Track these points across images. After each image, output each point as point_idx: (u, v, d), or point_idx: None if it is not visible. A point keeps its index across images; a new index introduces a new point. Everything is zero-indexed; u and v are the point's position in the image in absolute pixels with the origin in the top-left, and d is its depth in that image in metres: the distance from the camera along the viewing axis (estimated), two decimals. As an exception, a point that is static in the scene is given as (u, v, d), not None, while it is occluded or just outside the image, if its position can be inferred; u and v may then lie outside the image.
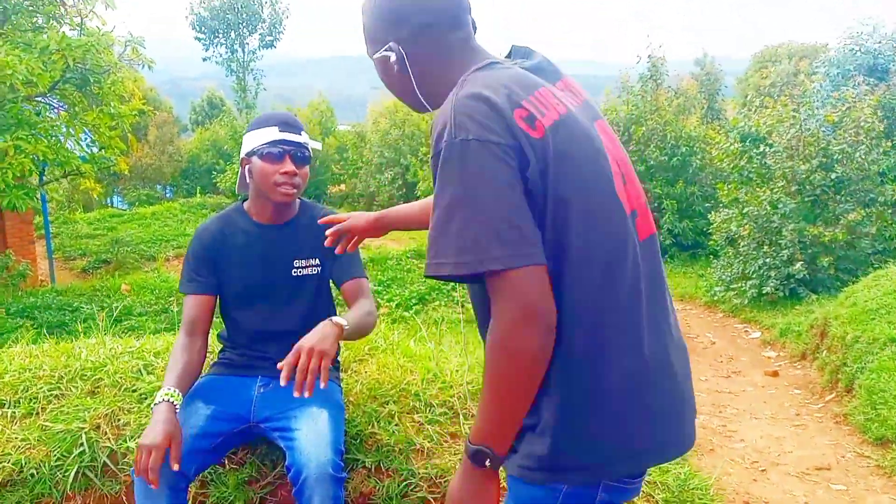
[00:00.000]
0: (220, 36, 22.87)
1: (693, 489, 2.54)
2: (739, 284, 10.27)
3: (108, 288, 9.87)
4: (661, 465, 2.58)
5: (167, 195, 30.76)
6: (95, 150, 9.33)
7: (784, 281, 9.63)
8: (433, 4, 1.34)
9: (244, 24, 22.61)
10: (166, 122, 30.75)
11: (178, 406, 1.98)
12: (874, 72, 15.53)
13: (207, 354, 2.25)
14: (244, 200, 2.31)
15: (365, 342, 2.95)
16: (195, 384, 2.22)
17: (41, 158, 7.39)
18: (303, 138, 2.19)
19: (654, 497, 2.42)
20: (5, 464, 2.29)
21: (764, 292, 9.72)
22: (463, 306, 9.50)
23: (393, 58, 1.35)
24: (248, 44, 23.22)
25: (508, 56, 1.43)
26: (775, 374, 7.06)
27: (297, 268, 2.26)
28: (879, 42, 15.87)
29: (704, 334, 9.35)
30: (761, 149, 10.94)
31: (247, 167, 2.19)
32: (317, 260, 2.27)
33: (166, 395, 1.97)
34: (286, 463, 2.01)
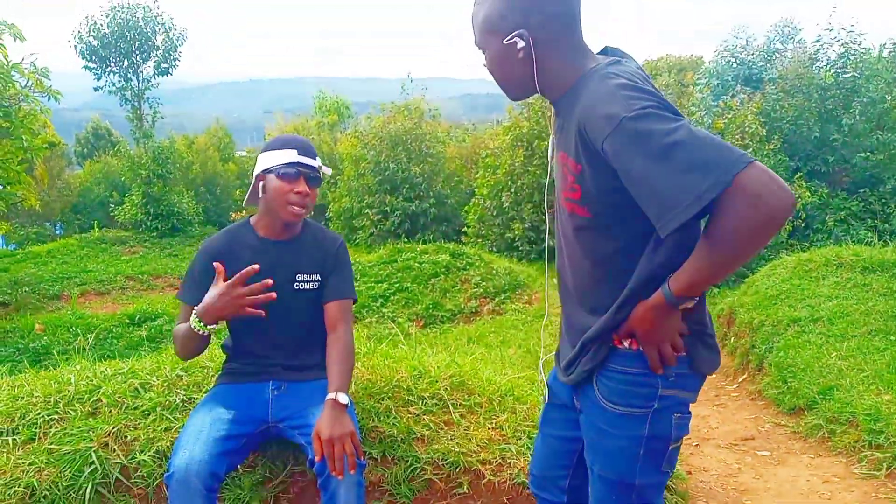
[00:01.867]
0: (113, 64, 22.10)
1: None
2: (648, 284, 10.94)
3: (20, 329, 9.43)
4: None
5: (58, 232, 29.31)
6: (-1, 187, 8.97)
7: (689, 277, 10.35)
8: (570, 3, 1.51)
9: (137, 51, 21.97)
10: (54, 156, 29.35)
11: None
12: (749, 81, 16.92)
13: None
14: (250, 216, 2.46)
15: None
16: (210, 392, 2.35)
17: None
18: (317, 163, 2.37)
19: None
20: (16, 488, 2.33)
21: (671, 289, 10.41)
22: (394, 321, 9.71)
23: (521, 44, 1.48)
24: (142, 72, 22.55)
25: (603, 53, 1.63)
26: (691, 362, 7.63)
27: (299, 282, 2.42)
28: (752, 53, 17.26)
29: (621, 332, 9.91)
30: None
31: (261, 183, 2.33)
32: (317, 276, 2.44)
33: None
34: (309, 458, 2.16)
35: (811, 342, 5.62)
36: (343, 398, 2.12)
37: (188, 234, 22.79)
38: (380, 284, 11.20)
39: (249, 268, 2.13)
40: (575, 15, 1.53)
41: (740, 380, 6.39)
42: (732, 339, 7.17)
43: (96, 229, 22.63)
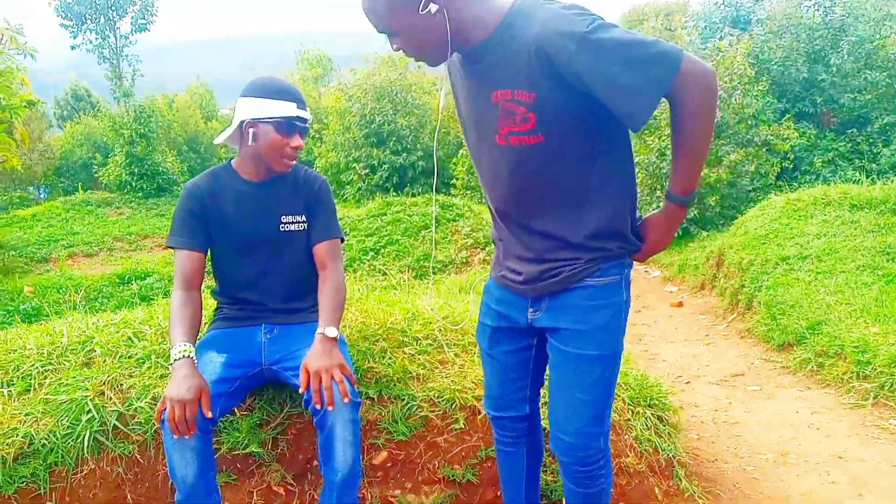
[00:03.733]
0: (89, 21, 21.59)
1: (650, 387, 2.90)
2: (637, 229, 10.99)
3: (9, 291, 9.38)
4: (622, 369, 2.94)
5: (42, 196, 28.98)
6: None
7: (677, 222, 10.40)
8: None
9: (113, 7, 21.43)
10: (33, 118, 28.81)
11: (195, 359, 2.11)
12: (737, 23, 16.74)
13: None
14: (230, 159, 2.42)
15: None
16: (203, 338, 2.34)
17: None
18: (309, 114, 2.34)
19: (620, 396, 2.76)
20: (14, 438, 2.33)
21: (660, 234, 10.47)
22: (385, 274, 9.71)
23: (435, 7, 1.55)
24: (119, 28, 22.05)
25: None
26: (680, 304, 7.70)
27: (285, 223, 2.40)
28: (740, -5, 17.04)
29: (611, 278, 9.96)
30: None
31: (251, 130, 2.26)
32: (303, 217, 2.42)
33: (182, 351, 2.08)
34: (304, 398, 2.16)
35: (800, 279, 5.67)
36: (332, 332, 2.12)
37: (174, 193, 22.58)
38: (370, 238, 11.18)
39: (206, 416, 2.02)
40: None
41: (730, 319, 6.46)
42: (721, 280, 7.22)
43: (81, 191, 22.41)
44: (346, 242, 10.69)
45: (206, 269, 2.38)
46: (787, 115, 13.37)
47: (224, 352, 2.29)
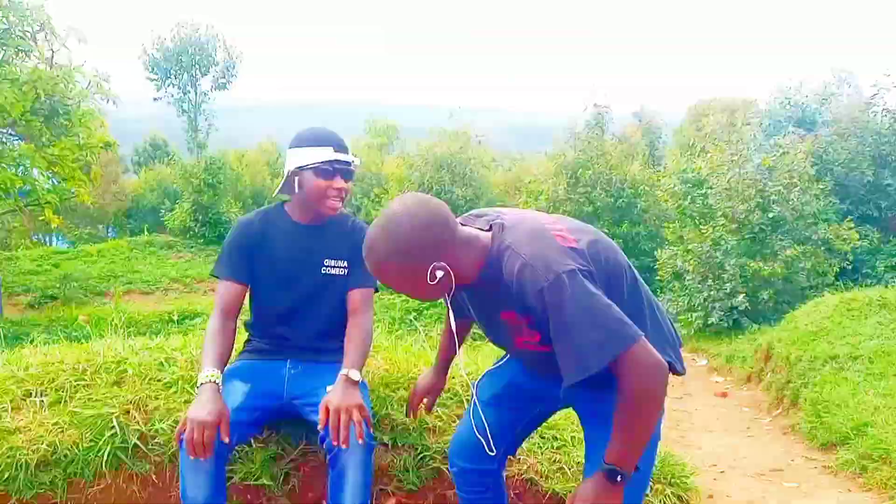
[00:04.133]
0: (173, 77, 22.93)
1: (673, 465, 2.82)
2: (686, 316, 10.79)
3: (64, 319, 9.73)
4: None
5: (110, 235, 30.21)
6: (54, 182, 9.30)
7: (727, 312, 10.19)
8: (444, 215, 1.71)
9: (197, 66, 22.74)
10: (111, 162, 30.35)
11: (220, 385, 2.16)
12: (803, 123, 16.68)
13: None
14: (283, 203, 2.53)
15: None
16: (229, 367, 2.41)
17: (7, 187, 7.37)
18: (350, 157, 2.44)
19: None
20: (39, 445, 2.41)
21: (709, 323, 10.26)
22: (427, 336, 9.71)
23: (441, 273, 1.67)
24: (200, 85, 23.33)
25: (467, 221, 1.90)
26: (724, 394, 7.48)
27: (327, 266, 2.48)
28: (806, 96, 17.04)
29: (655, 363, 9.75)
30: (703, 190, 11.62)
31: (296, 178, 2.38)
32: (345, 262, 2.49)
33: (210, 376, 2.14)
34: (320, 435, 2.18)
35: (848, 379, 5.46)
36: (355, 374, 2.15)
37: (234, 243, 23.17)
38: (405, 302, 11.26)
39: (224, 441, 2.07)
40: (450, 220, 1.73)
41: (774, 414, 6.24)
42: (769, 374, 7.01)
43: (146, 233, 23.27)
44: (390, 301, 10.79)
45: (243, 304, 2.47)
46: (849, 218, 13.13)
47: (249, 381, 2.34)
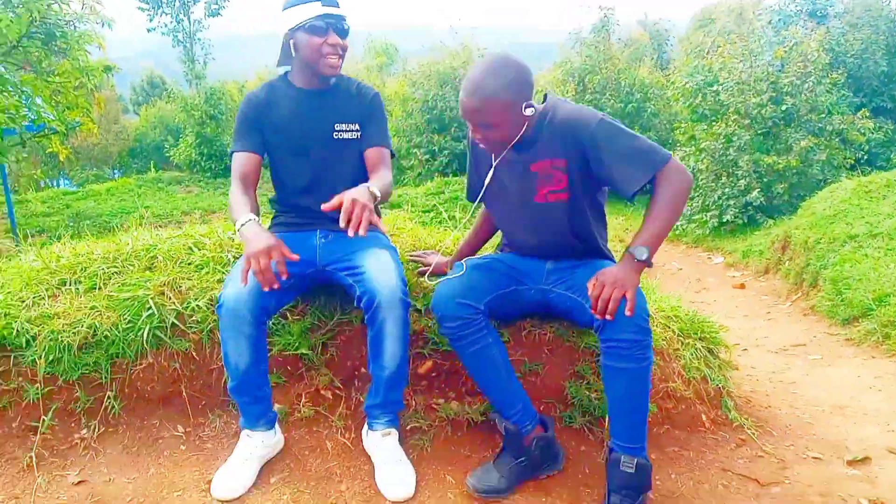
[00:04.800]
0: (165, 5, 22.38)
1: (701, 321, 2.85)
2: (700, 216, 10.73)
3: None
4: (672, 304, 2.89)
5: (115, 176, 30.08)
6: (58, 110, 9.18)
7: (742, 209, 10.12)
8: (528, 70, 2.08)
9: (187, -9, 22.19)
10: (110, 100, 29.95)
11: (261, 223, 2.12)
12: (813, 15, 16.17)
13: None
14: (286, 73, 2.49)
15: (393, 223, 3.17)
16: None
17: (13, 115, 7.28)
18: (342, 11, 2.37)
19: (670, 327, 2.72)
20: (80, 328, 2.45)
21: (724, 221, 10.20)
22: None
23: (530, 111, 2.06)
24: (192, 13, 22.78)
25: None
26: (742, 286, 7.51)
27: (339, 131, 2.44)
28: (817, -15, 16.48)
29: (670, 262, 9.78)
30: (714, 88, 11.36)
31: (291, 42, 2.35)
32: (356, 125, 2.46)
33: (248, 219, 2.10)
34: (357, 295, 2.19)
35: (868, 256, 5.46)
36: (375, 189, 2.12)
37: (240, 175, 23.07)
38: (426, 213, 11.23)
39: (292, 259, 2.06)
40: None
41: (794, 298, 6.27)
42: (787, 262, 7.01)
43: (153, 170, 23.18)
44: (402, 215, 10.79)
45: (260, 175, 2.44)
46: (864, 110, 12.88)
47: (280, 251, 2.33)
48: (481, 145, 2.20)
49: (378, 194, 2.14)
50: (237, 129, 2.45)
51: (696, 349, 2.68)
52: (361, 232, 1.96)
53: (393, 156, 2.52)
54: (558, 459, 2.30)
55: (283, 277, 2.01)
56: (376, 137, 2.45)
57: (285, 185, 2.51)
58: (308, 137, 2.43)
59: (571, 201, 2.18)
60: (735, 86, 10.79)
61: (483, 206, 2.50)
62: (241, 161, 2.39)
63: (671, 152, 1.93)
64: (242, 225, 2.09)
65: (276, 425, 2.33)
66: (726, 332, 3.00)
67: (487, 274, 2.27)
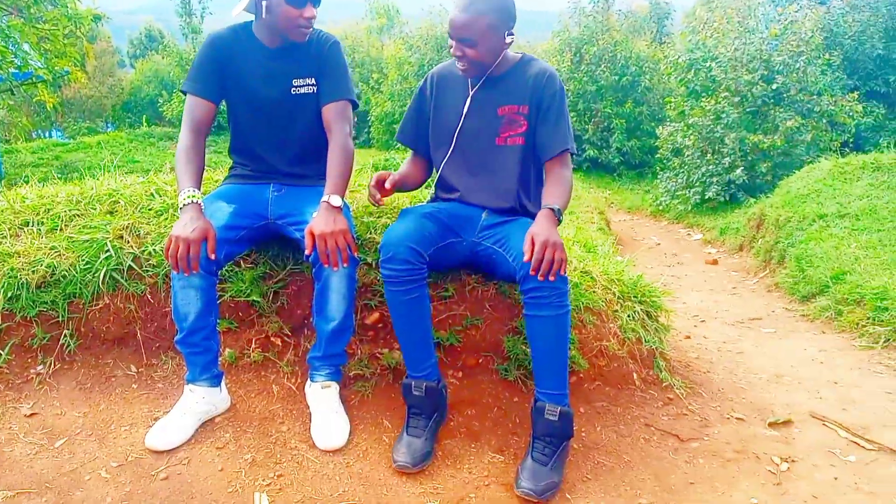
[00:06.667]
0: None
1: (644, 286, 2.95)
2: (683, 192, 10.82)
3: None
4: (617, 267, 2.99)
5: (108, 129, 29.90)
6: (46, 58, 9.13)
7: (725, 186, 10.21)
8: (514, 3, 2.32)
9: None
10: (105, 53, 29.64)
11: (202, 205, 2.20)
12: (813, -5, 16.06)
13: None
14: (251, 21, 2.51)
15: (355, 180, 3.24)
16: (214, 191, 2.48)
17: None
18: None
19: (611, 289, 2.82)
20: (38, 267, 2.54)
21: (706, 198, 10.29)
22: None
23: (510, 39, 2.29)
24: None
25: None
26: (715, 262, 7.64)
27: (296, 86, 2.48)
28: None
29: (649, 237, 9.90)
30: (708, 64, 11.35)
31: (264, 4, 2.33)
32: (312, 79, 2.48)
33: (190, 195, 2.17)
34: (310, 259, 2.27)
35: (834, 235, 5.57)
36: (336, 200, 2.18)
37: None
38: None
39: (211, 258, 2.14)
40: None
41: (761, 275, 6.40)
42: (760, 241, 7.13)
43: (145, 124, 23.05)
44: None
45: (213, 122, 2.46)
46: (853, 92, 12.89)
47: (233, 203, 2.40)
48: (459, 65, 2.34)
49: (339, 203, 2.19)
50: (197, 67, 2.43)
51: (634, 311, 2.78)
52: (344, 263, 2.13)
53: (355, 106, 2.53)
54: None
55: (211, 258, 2.12)
56: (334, 91, 2.45)
57: (243, 137, 2.56)
58: (266, 95, 2.46)
59: (526, 147, 2.39)
60: (728, 62, 10.79)
61: (412, 155, 2.62)
62: (195, 106, 2.40)
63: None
64: (183, 204, 2.15)
65: (223, 385, 2.38)
66: (669, 297, 3.10)
67: (435, 224, 2.32)
